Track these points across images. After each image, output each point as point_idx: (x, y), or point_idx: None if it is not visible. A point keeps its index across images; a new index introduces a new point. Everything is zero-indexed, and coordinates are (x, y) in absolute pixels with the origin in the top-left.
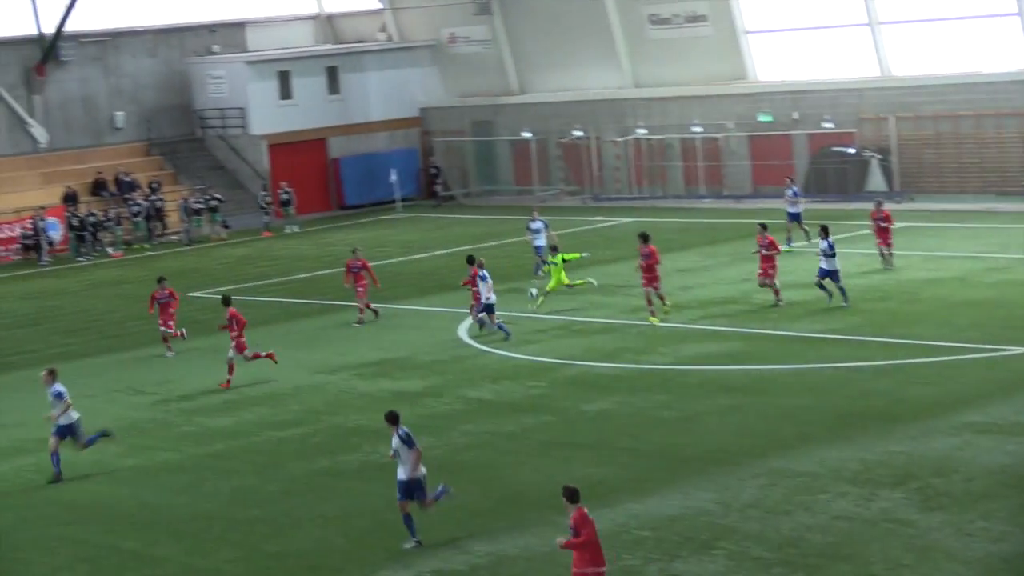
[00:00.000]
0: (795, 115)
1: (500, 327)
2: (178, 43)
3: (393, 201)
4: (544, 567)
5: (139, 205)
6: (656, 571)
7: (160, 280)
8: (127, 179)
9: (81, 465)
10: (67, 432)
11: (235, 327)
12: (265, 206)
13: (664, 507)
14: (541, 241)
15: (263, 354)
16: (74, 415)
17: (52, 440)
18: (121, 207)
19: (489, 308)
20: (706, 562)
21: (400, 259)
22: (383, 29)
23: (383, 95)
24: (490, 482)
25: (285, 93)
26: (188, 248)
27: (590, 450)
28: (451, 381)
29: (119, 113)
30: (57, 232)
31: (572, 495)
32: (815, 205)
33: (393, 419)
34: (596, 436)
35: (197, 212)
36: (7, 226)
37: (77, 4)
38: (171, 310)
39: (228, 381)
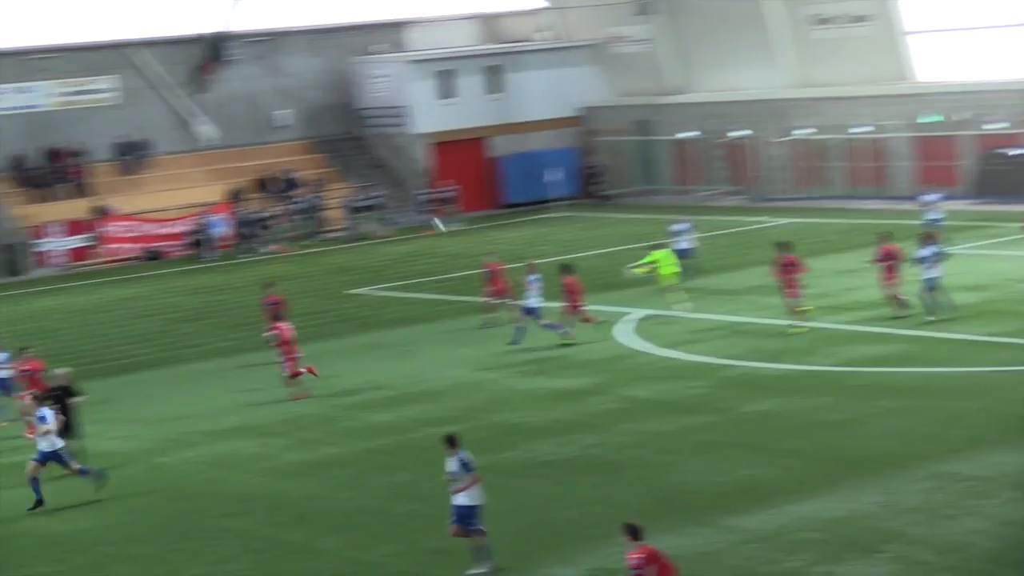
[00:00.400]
0: (959, 115)
1: (519, 330)
2: (340, 42)
3: (554, 200)
4: (705, 568)
5: (302, 202)
6: (820, 574)
7: (268, 286)
8: (291, 177)
9: (246, 458)
10: (50, 458)
11: (282, 343)
12: (426, 204)
13: (828, 509)
14: (683, 244)
15: (303, 370)
16: (58, 443)
17: (31, 464)
18: (285, 204)
19: (530, 312)
20: (871, 565)
21: (558, 258)
22: (542, 29)
23: (544, 94)
24: (650, 481)
25: (446, 92)
26: (350, 245)
27: (752, 451)
28: (610, 380)
29: (283, 111)
30: (222, 228)
31: (635, 532)
32: (982, 207)
33: (452, 442)
34: (758, 437)
35: (360, 209)
36: (174, 222)
37: (242, 4)
38: (281, 315)
39: (304, 381)
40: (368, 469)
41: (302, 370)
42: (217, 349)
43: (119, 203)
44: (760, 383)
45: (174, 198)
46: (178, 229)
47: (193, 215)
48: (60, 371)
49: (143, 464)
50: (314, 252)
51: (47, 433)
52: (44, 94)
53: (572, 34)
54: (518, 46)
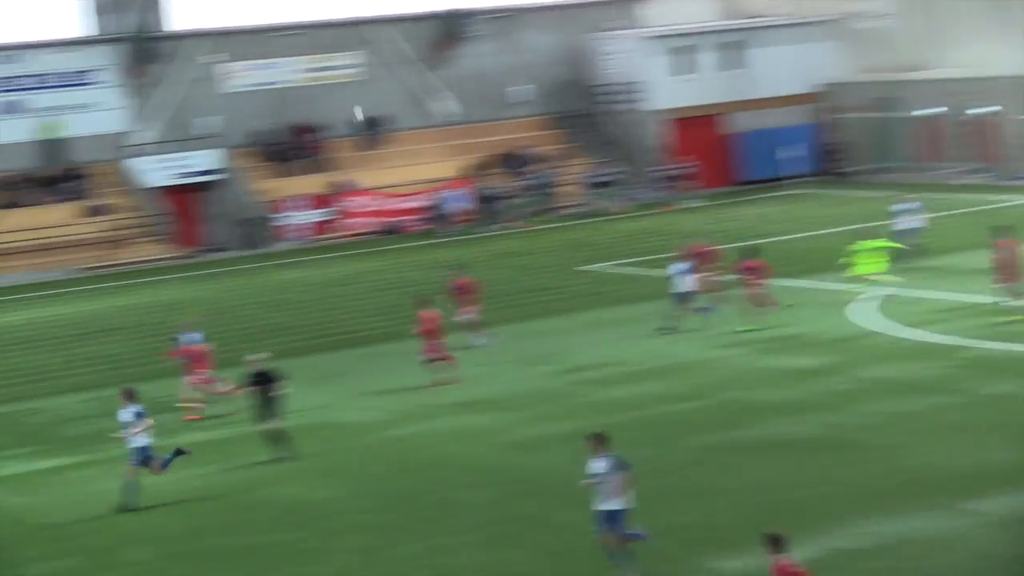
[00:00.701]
0: None
1: (698, 311)
2: (577, 19)
3: (791, 177)
4: (944, 552)
5: (537, 178)
6: None
7: (456, 268)
8: (528, 152)
9: (482, 431)
10: (143, 457)
11: (425, 331)
12: (663, 180)
13: None
14: (905, 224)
15: (443, 357)
16: (145, 441)
17: (129, 468)
18: (521, 180)
19: (683, 296)
20: None
21: (795, 236)
22: (780, 4)
23: (783, 70)
24: (888, 463)
25: (683, 68)
26: (586, 221)
27: (993, 433)
28: (848, 360)
29: (520, 87)
30: (459, 204)
31: (776, 543)
32: None
33: (601, 441)
34: (1000, 419)
35: (597, 185)
36: (412, 197)
37: None
38: (470, 297)
39: (443, 382)
40: None
41: (446, 356)
42: (452, 324)
43: (359, 178)
44: (1002, 365)
45: (412, 173)
46: (416, 204)
47: (431, 190)
48: (258, 356)
49: (379, 436)
50: (549, 228)
51: (135, 432)
52: (287, 70)
53: (811, 9)
54: (757, 21)
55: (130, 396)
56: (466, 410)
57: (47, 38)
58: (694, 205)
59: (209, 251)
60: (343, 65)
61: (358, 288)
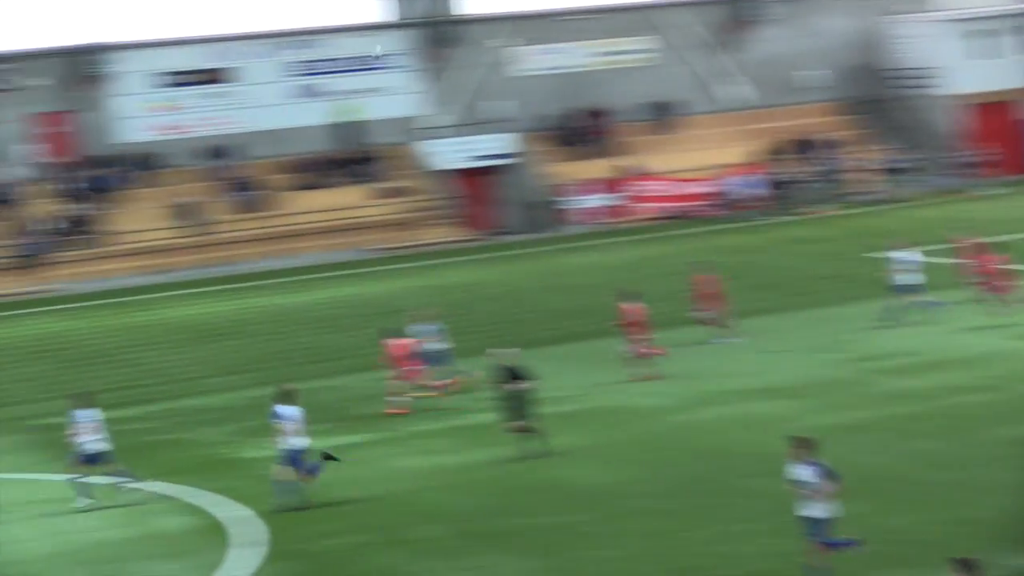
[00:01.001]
0: None
1: (923, 305)
2: (869, 2)
3: None
4: None
5: (831, 164)
6: None
7: (699, 264)
8: (821, 138)
9: (770, 419)
10: (292, 459)
11: (628, 324)
12: (960, 167)
13: None
14: None
15: (652, 351)
16: (298, 443)
17: (279, 469)
18: (814, 166)
19: (906, 288)
20: None
21: None
22: None
23: None
24: None
25: (982, 52)
26: (880, 208)
27: None
28: None
29: (813, 72)
30: (751, 189)
31: (969, 568)
32: None
33: (808, 446)
34: None
35: (891, 172)
36: (702, 183)
37: None
38: (710, 295)
39: (647, 376)
40: (896, 435)
41: (654, 351)
42: (743, 310)
43: (648, 163)
44: None
45: (701, 158)
46: (705, 189)
47: (720, 176)
48: (509, 351)
49: (666, 421)
50: (840, 214)
51: (286, 433)
52: (578, 55)
53: None
54: None
55: (288, 396)
56: (755, 397)
57: (343, 23)
58: (991, 193)
59: (499, 234)
60: (634, 50)
61: (645, 273)
